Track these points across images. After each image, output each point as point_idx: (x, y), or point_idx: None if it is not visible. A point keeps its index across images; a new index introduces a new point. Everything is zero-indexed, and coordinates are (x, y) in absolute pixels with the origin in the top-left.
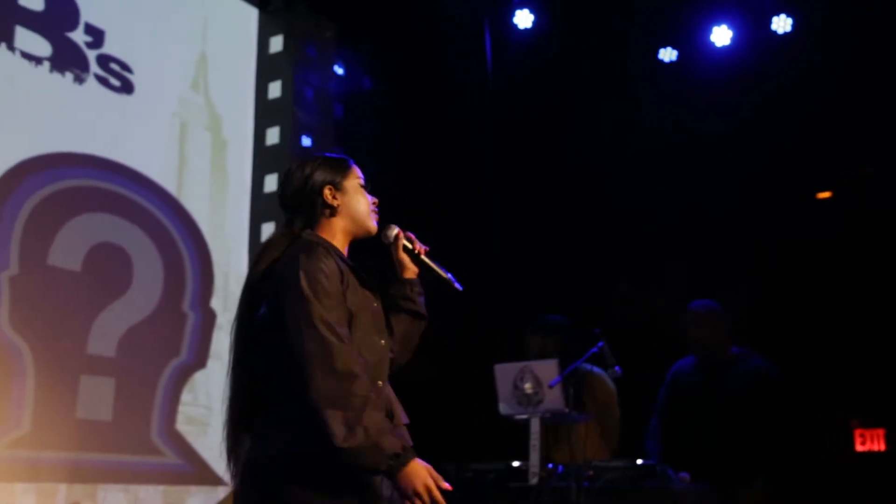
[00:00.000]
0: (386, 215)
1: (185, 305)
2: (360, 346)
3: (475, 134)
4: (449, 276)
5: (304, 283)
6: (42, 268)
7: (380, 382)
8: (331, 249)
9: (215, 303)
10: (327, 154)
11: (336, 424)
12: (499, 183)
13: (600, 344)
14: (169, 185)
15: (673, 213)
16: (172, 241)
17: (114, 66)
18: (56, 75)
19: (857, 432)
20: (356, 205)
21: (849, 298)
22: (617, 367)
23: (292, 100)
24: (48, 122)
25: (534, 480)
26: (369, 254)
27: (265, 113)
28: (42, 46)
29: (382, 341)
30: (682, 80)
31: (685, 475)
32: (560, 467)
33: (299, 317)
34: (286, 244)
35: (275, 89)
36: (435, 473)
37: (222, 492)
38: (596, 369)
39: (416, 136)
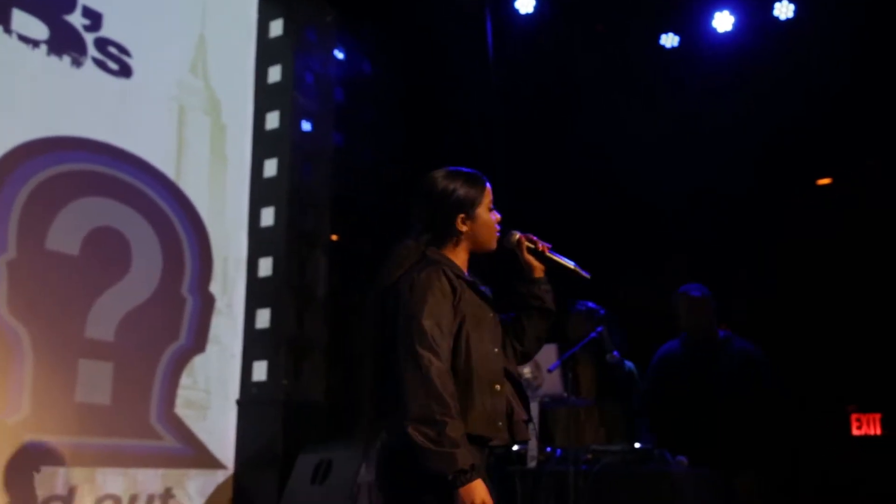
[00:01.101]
0: (387, 199)
1: (184, 289)
2: (477, 356)
3: (477, 119)
4: (575, 266)
5: (415, 307)
6: (40, 252)
7: (497, 386)
8: (450, 268)
9: (214, 287)
10: (466, 171)
11: (422, 434)
12: (502, 169)
13: (599, 329)
14: (168, 169)
15: (675, 199)
16: (171, 226)
17: (112, 50)
18: (53, 58)
19: (854, 417)
20: (483, 232)
21: (847, 286)
22: (615, 352)
23: (292, 84)
24: (45, 106)
25: (532, 464)
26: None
27: (265, 97)
28: (39, 29)
29: (496, 349)
30: (684, 66)
31: (683, 459)
32: (559, 451)
33: (407, 342)
34: (414, 260)
35: (275, 73)
36: (489, 498)
37: (221, 475)
38: (628, 363)
39: (417, 121)
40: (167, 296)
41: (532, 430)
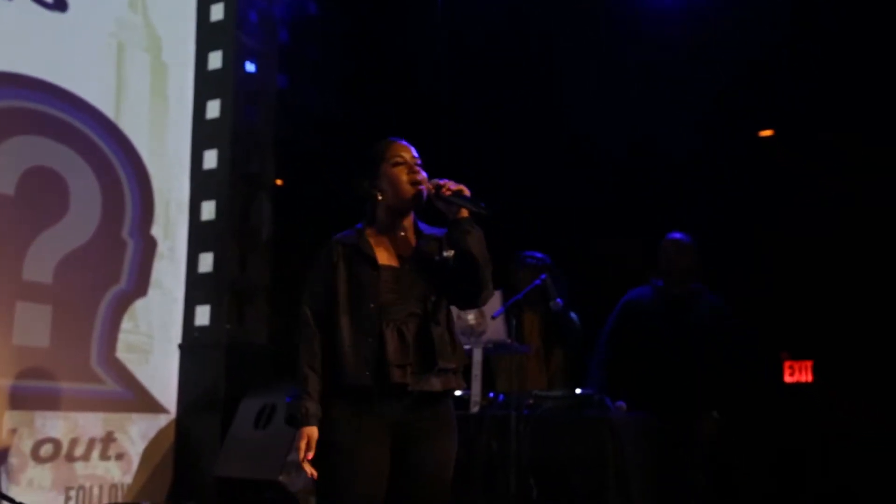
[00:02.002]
0: (333, 143)
1: (125, 232)
2: (351, 312)
3: (424, 60)
4: (476, 206)
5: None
6: None
7: (370, 339)
8: (346, 239)
9: (156, 230)
10: (374, 144)
11: (292, 390)
12: (447, 112)
13: (543, 276)
14: (106, 108)
15: (629, 148)
16: (110, 167)
17: None
18: None
19: (787, 364)
20: (391, 189)
21: (781, 233)
22: (559, 300)
23: (235, 23)
24: None
25: (475, 409)
26: None
27: (207, 36)
28: None
29: (372, 304)
30: (638, 16)
31: (622, 404)
32: (501, 396)
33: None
34: None
35: (217, 11)
36: (307, 445)
37: (163, 419)
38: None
39: (363, 62)
40: (107, 238)
41: (475, 376)
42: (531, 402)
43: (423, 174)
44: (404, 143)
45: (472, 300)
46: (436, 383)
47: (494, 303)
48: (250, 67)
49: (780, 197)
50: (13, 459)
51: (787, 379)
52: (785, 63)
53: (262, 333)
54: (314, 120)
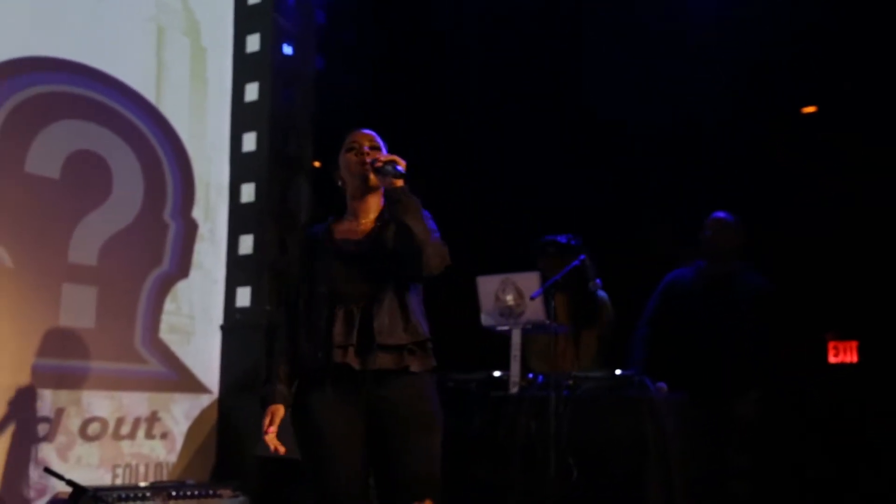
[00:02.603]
0: (369, 124)
1: (166, 215)
2: (310, 299)
3: (460, 40)
4: (394, 172)
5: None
6: (20, 175)
7: (321, 323)
8: (322, 228)
9: (196, 213)
10: None
11: None
12: (484, 90)
13: (582, 257)
14: (147, 92)
15: (660, 126)
16: (152, 150)
17: None
18: None
19: (831, 344)
20: (347, 175)
21: (825, 213)
22: (598, 280)
23: (273, 6)
24: (22, 25)
25: (514, 390)
26: None
27: (245, 19)
28: None
29: (324, 289)
30: None
31: (663, 385)
32: (540, 377)
33: None
34: None
35: None
36: (269, 420)
37: (206, 399)
38: (600, 293)
39: (401, 43)
40: (149, 221)
41: (514, 357)
42: (570, 382)
43: (381, 157)
44: (366, 131)
45: (416, 270)
46: (387, 361)
47: (533, 284)
48: (287, 50)
49: (825, 174)
50: (62, 437)
51: (832, 360)
52: (828, 37)
53: None
54: (351, 102)
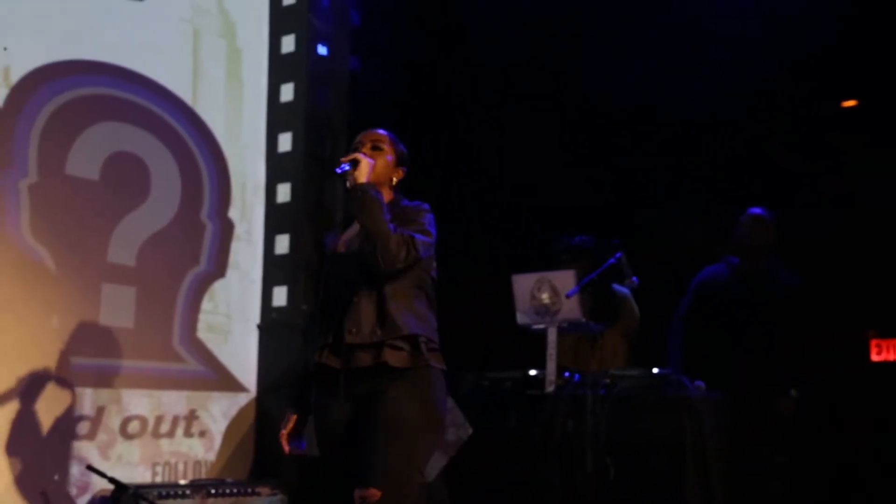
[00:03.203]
0: (402, 124)
1: (203, 215)
2: (317, 300)
3: (493, 39)
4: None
5: None
6: (60, 177)
7: (329, 320)
8: (341, 228)
9: (233, 213)
10: None
11: None
12: (518, 89)
13: (618, 255)
14: (184, 93)
15: (691, 121)
16: (189, 151)
17: None
18: None
19: (874, 342)
20: None
21: (868, 209)
22: (634, 278)
23: (308, 6)
24: (62, 29)
25: (550, 388)
26: None
27: (280, 20)
28: None
29: (327, 290)
30: None
31: (700, 384)
32: (577, 375)
33: None
34: None
35: None
36: (285, 423)
37: (244, 398)
38: (620, 288)
39: (435, 43)
40: (187, 221)
41: (550, 356)
42: (607, 381)
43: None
44: (376, 131)
45: (375, 264)
46: (364, 359)
47: (569, 282)
48: (322, 51)
49: (866, 169)
50: (103, 435)
51: (875, 358)
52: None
53: None
54: (385, 102)
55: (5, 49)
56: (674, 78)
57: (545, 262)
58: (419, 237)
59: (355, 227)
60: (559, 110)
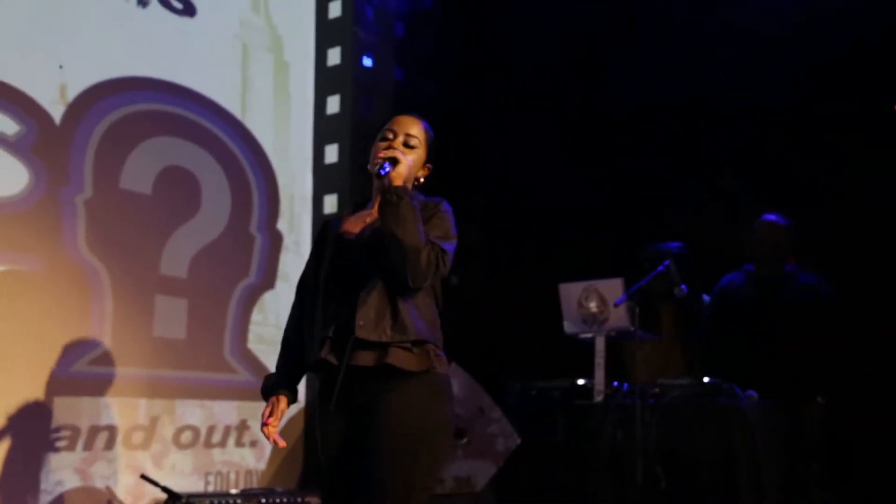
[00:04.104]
0: (447, 134)
1: (253, 227)
2: (314, 287)
3: (539, 46)
4: (380, 169)
5: None
6: (115, 191)
7: (318, 312)
8: (335, 215)
9: (281, 224)
10: None
11: None
12: (564, 97)
13: (666, 262)
14: (233, 108)
15: (735, 120)
16: (239, 164)
17: None
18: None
19: None
20: (371, 156)
21: None
22: (683, 286)
23: (353, 19)
24: (115, 46)
25: (599, 398)
26: None
27: (326, 33)
28: None
29: (323, 277)
30: None
31: (753, 393)
32: (625, 385)
33: None
34: None
35: (335, 9)
36: (269, 411)
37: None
38: (704, 297)
39: (478, 53)
40: (237, 234)
41: (598, 365)
42: (657, 390)
43: (411, 161)
44: (411, 117)
45: (399, 278)
46: (368, 358)
47: (616, 290)
48: (367, 62)
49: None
50: (157, 445)
51: None
52: None
53: None
54: (430, 112)
55: (61, 67)
56: (709, 76)
57: (594, 268)
58: (448, 248)
59: (365, 213)
60: (602, 116)
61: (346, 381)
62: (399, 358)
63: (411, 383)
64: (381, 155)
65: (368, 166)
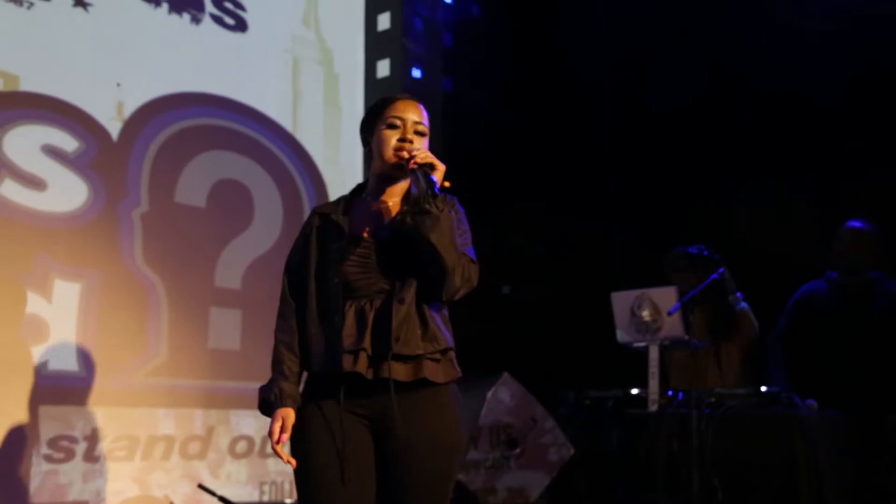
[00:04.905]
0: (496, 143)
1: None
2: (318, 289)
3: (587, 55)
4: (428, 185)
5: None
6: (170, 205)
7: (336, 320)
8: (331, 206)
9: None
10: (378, 100)
11: None
12: (614, 105)
13: (721, 270)
14: (284, 121)
15: (794, 122)
16: (290, 177)
17: (228, 5)
18: (174, 16)
19: None
20: (377, 148)
21: None
22: (738, 294)
23: (401, 31)
24: (169, 63)
25: (653, 407)
26: None
27: (375, 45)
28: None
29: (336, 279)
30: None
31: (812, 402)
32: (680, 394)
33: None
34: None
35: (384, 21)
36: (280, 427)
37: None
38: (742, 305)
39: (527, 62)
40: (288, 246)
41: (652, 374)
42: (712, 400)
43: (425, 144)
44: (412, 101)
45: (436, 289)
46: (401, 372)
47: (670, 298)
48: (416, 73)
49: None
50: (213, 455)
51: None
52: None
53: None
54: (480, 121)
55: (118, 85)
56: (776, 72)
57: (648, 277)
58: (474, 257)
59: (369, 205)
60: (653, 123)
61: (369, 391)
62: (432, 371)
63: (440, 394)
64: (419, 160)
65: (386, 155)
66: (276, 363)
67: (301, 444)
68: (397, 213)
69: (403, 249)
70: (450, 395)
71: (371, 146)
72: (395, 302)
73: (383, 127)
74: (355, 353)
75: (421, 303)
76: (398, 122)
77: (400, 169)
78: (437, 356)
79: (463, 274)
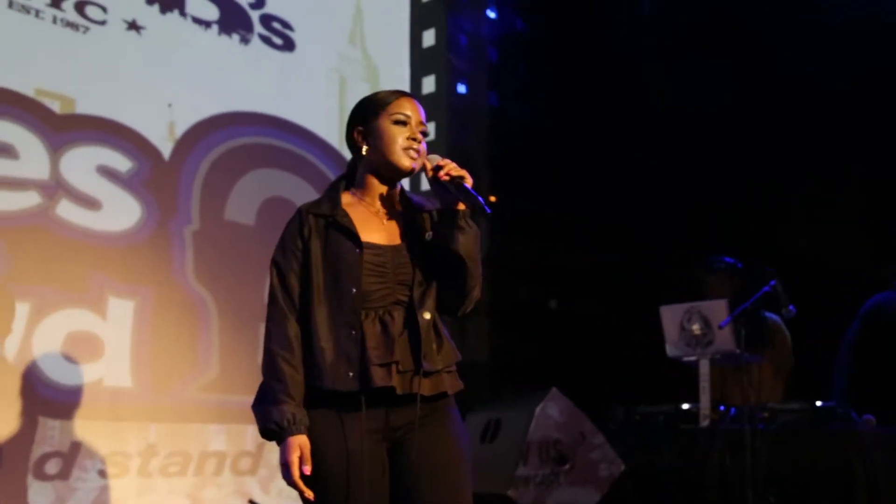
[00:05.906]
0: (542, 157)
1: None
2: (328, 297)
3: (630, 69)
4: (473, 201)
5: (274, 255)
6: (220, 223)
7: (353, 331)
8: (318, 205)
9: None
10: (373, 94)
11: (259, 391)
12: (661, 120)
13: (772, 283)
14: (331, 138)
15: (849, 127)
16: None
17: (276, 25)
18: (224, 37)
19: None
20: (381, 146)
21: None
22: (791, 307)
23: (446, 47)
24: (219, 83)
25: (705, 423)
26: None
27: (420, 62)
28: (210, 10)
29: (354, 289)
30: None
31: (870, 417)
32: (732, 409)
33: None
34: None
35: (429, 37)
36: (300, 455)
37: None
38: (771, 316)
39: (572, 76)
40: None
41: (703, 389)
42: (766, 415)
43: (423, 146)
44: (413, 100)
45: (453, 305)
46: (426, 386)
47: (720, 312)
48: (462, 89)
49: None
50: (263, 471)
51: None
52: None
53: (484, 350)
54: (525, 135)
55: (170, 106)
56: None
57: (694, 289)
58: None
59: (372, 208)
60: (700, 136)
61: (389, 406)
62: (449, 384)
63: (449, 405)
64: (451, 172)
65: (393, 151)
66: (276, 381)
67: (317, 470)
68: (410, 217)
69: (419, 258)
70: (455, 407)
71: (366, 139)
72: (419, 316)
73: (388, 122)
74: (387, 367)
75: (434, 314)
76: (405, 119)
77: (407, 172)
78: (452, 369)
79: (480, 288)
